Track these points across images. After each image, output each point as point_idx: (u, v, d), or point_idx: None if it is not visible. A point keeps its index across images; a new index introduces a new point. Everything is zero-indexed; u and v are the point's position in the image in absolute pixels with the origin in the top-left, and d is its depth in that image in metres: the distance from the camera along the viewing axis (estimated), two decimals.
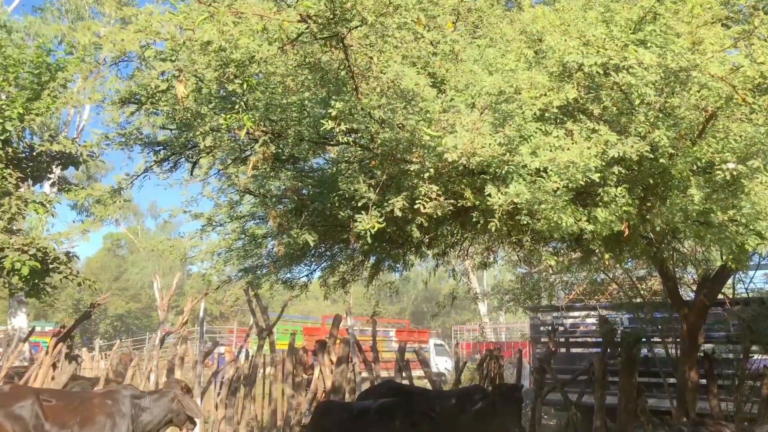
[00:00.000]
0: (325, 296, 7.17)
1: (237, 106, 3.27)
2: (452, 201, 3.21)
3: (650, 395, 8.78)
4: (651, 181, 3.35)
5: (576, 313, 13.49)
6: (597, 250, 4.09)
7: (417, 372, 12.40)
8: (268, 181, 4.26)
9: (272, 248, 5.50)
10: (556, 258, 3.99)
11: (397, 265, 5.74)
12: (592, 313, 12.80)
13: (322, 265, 6.22)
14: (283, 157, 3.86)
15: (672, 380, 8.35)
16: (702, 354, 7.91)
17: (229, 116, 3.21)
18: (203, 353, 10.55)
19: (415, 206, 3.17)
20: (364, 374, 11.01)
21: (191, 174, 4.14)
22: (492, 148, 2.74)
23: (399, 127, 3.11)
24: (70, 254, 8.72)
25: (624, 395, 8.09)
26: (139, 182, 4.14)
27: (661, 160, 2.97)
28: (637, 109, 2.98)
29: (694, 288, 8.01)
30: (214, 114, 3.35)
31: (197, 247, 5.77)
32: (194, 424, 7.99)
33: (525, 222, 3.05)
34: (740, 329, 8.36)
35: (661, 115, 3.04)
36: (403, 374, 10.70)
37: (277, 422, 10.33)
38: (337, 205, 3.67)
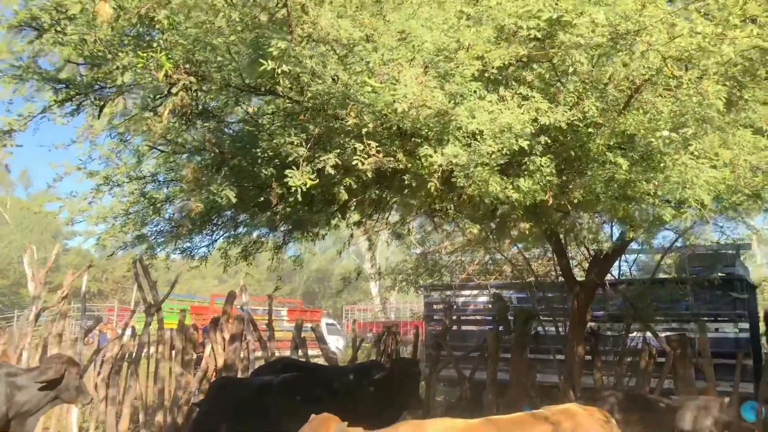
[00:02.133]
0: (225, 268, 6.84)
1: (156, 44, 2.94)
2: (390, 158, 3.09)
3: (539, 371, 9.17)
4: (572, 153, 3.40)
5: (468, 292, 13.88)
6: (515, 221, 4.13)
7: (310, 351, 12.28)
8: (183, 132, 3.91)
9: (172, 214, 5.14)
10: (477, 226, 4.00)
11: (312, 232, 5.54)
12: (484, 292, 13.23)
13: (226, 234, 5.91)
14: (202, 107, 3.55)
15: (560, 357, 8.75)
16: (589, 331, 8.34)
17: (146, 54, 2.86)
18: (85, 330, 9.84)
19: (353, 162, 3.00)
20: (258, 353, 10.75)
21: (98, 117, 3.67)
22: (440, 101, 2.64)
23: (333, 80, 2.93)
24: None
25: (515, 370, 8.40)
26: (35, 125, 3.63)
27: (590, 130, 3.01)
28: (568, 78, 3.00)
29: (586, 267, 8.41)
30: (130, 51, 2.98)
31: (87, 212, 5.25)
32: (86, 401, 7.44)
33: (460, 185, 2.99)
34: (623, 307, 8.91)
35: (588, 86, 3.08)
36: (299, 352, 10.56)
37: (165, 401, 9.84)
38: (259, 162, 3.42)
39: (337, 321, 31.73)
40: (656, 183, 3.05)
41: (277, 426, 6.01)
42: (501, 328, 9.39)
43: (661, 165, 3.03)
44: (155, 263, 9.56)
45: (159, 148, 4.22)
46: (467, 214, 3.98)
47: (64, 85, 3.45)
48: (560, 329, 9.27)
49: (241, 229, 6.04)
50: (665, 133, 2.86)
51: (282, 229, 6.68)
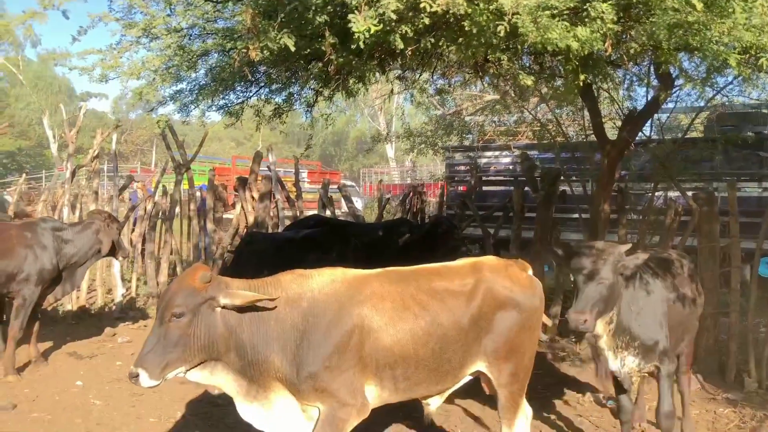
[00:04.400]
0: (257, 127, 6.83)
1: None
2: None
3: (563, 229, 9.39)
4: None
5: (491, 153, 13.89)
6: (566, 75, 4.01)
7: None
8: None
9: (211, 67, 5.05)
10: (532, 78, 3.89)
11: (353, 88, 5.43)
12: (508, 152, 13.23)
13: (266, 90, 5.83)
14: None
15: (586, 216, 8.88)
16: (615, 189, 8.39)
17: None
18: (119, 188, 10.07)
19: (421, 4, 2.87)
20: (287, 212, 11.02)
21: None
22: None
23: None
24: None
25: (540, 227, 8.57)
26: None
27: None
28: None
29: (618, 125, 8.31)
30: None
31: (119, 68, 5.17)
32: (125, 255, 7.79)
33: (524, 32, 2.87)
34: (652, 166, 8.91)
35: None
36: (326, 210, 10.82)
37: (201, 255, 10.31)
38: (313, 8, 3.27)
39: (355, 184, 32.09)
40: (727, 27, 2.90)
41: None
42: (527, 187, 9.47)
43: (730, 10, 2.88)
44: (178, 125, 9.59)
45: None
46: (520, 66, 3.86)
47: None
48: (587, 189, 9.34)
49: (275, 86, 5.94)
50: None
51: (313, 86, 6.58)
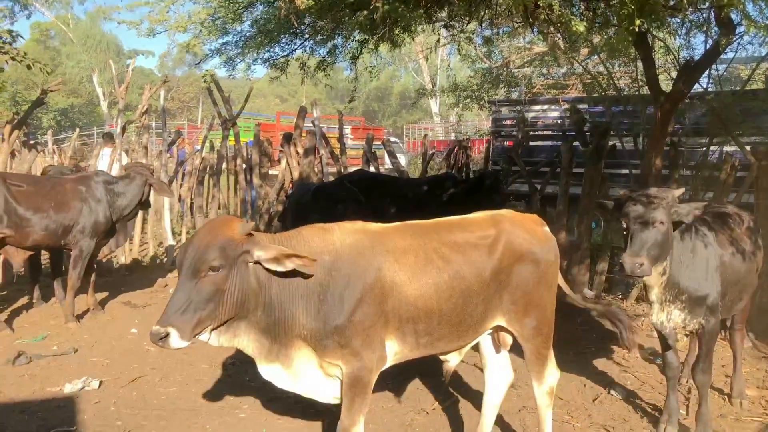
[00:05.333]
0: (302, 80, 6.82)
1: None
2: None
3: (612, 185, 9.15)
4: None
5: (538, 107, 13.56)
6: (625, 19, 3.82)
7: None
8: None
9: (257, 17, 5.03)
10: (584, 24, 3.74)
11: (403, 36, 5.33)
12: (556, 106, 12.90)
13: (310, 43, 5.80)
14: None
15: (637, 171, 8.64)
16: (668, 143, 8.12)
17: None
18: (168, 143, 10.25)
19: None
20: (331, 168, 11.05)
21: None
22: None
23: None
24: (13, 33, 7.88)
25: (589, 183, 8.38)
26: None
27: None
28: None
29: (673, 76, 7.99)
30: None
31: (166, 22, 5.19)
32: (172, 195, 7.97)
33: None
34: (708, 119, 8.57)
35: None
36: (371, 166, 10.80)
37: (248, 210, 10.47)
38: None
39: (399, 140, 31.92)
40: None
41: None
42: (575, 142, 9.25)
43: None
44: (223, 81, 9.63)
45: None
46: (572, 12, 3.71)
47: None
48: (638, 143, 9.07)
49: (320, 37, 5.89)
50: None
51: (358, 37, 6.49)
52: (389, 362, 3.20)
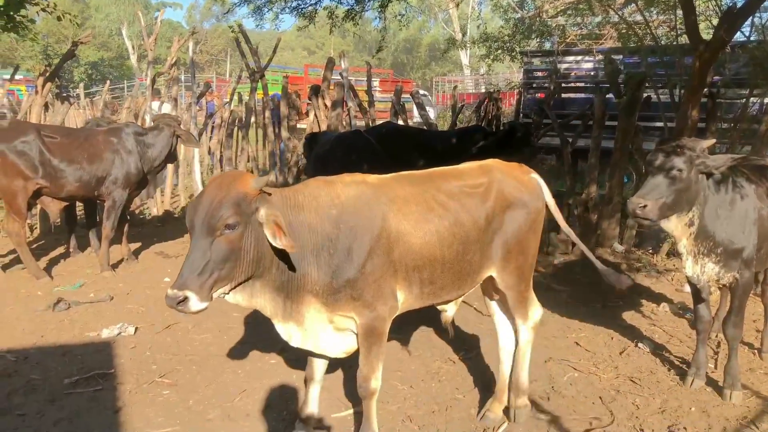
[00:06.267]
0: (330, 29, 6.73)
1: None
2: None
3: (645, 138, 8.92)
4: None
5: (571, 58, 13.21)
6: None
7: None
8: None
9: None
10: None
11: None
12: (589, 58, 12.55)
13: None
14: None
15: (672, 125, 8.39)
16: (706, 95, 7.86)
17: None
18: (197, 95, 10.28)
19: None
20: (360, 121, 10.98)
21: None
22: None
23: None
24: None
25: (622, 134, 8.20)
26: None
27: None
28: None
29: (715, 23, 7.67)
30: None
31: None
32: (198, 145, 8.02)
33: None
34: (750, 70, 8.24)
35: None
36: (399, 118, 10.71)
37: (276, 162, 10.52)
38: None
39: (428, 92, 31.49)
40: None
41: None
42: (609, 94, 9.01)
43: None
44: (251, 33, 9.54)
45: None
46: None
47: None
48: (674, 95, 8.79)
49: None
50: None
51: None
52: (398, 307, 3.22)
